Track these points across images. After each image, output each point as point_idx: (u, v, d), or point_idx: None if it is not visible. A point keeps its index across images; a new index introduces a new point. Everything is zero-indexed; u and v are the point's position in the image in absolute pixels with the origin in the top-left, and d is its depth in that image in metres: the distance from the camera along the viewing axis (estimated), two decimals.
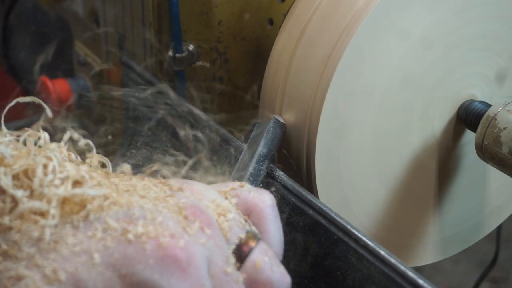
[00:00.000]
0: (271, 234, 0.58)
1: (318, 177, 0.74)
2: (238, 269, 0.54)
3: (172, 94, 0.82)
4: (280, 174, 0.70)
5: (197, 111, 0.79)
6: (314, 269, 0.66)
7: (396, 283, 0.59)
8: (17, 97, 0.58)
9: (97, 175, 0.54)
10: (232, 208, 0.57)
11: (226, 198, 0.58)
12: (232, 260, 0.54)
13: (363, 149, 0.76)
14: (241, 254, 0.55)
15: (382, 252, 0.61)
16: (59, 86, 1.00)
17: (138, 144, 0.84)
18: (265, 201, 0.59)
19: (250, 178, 0.67)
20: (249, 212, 0.58)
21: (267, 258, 0.55)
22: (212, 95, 0.91)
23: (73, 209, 0.51)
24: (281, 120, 0.75)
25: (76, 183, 0.52)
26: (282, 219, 0.68)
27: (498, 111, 0.74)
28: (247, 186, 0.60)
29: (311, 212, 0.66)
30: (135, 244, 0.50)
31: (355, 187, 0.77)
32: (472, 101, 0.80)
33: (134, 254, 0.50)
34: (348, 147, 0.75)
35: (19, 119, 1.16)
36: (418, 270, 0.62)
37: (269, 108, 0.79)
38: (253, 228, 0.57)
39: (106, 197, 0.52)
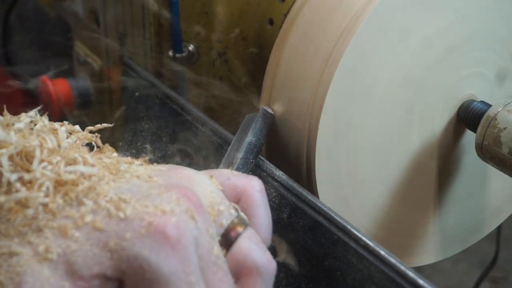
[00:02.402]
0: (260, 219, 0.59)
1: (318, 177, 0.74)
2: (225, 253, 0.55)
3: (172, 94, 0.82)
4: (280, 174, 0.70)
5: (197, 111, 0.79)
6: (314, 269, 0.66)
7: (396, 283, 0.59)
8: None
9: (90, 157, 0.55)
10: (221, 194, 0.57)
11: (215, 184, 0.58)
12: (220, 246, 0.55)
13: (363, 149, 0.76)
14: (228, 239, 0.55)
15: (382, 252, 0.61)
16: (59, 86, 1.00)
17: (138, 144, 0.84)
18: (254, 186, 0.59)
19: (240, 166, 0.68)
20: (238, 198, 0.59)
21: (254, 243, 0.56)
22: (212, 95, 0.91)
23: (66, 188, 0.52)
24: (270, 110, 0.76)
25: (70, 165, 0.53)
26: (282, 219, 0.68)
27: (498, 111, 0.74)
28: (236, 172, 0.61)
29: (311, 212, 0.66)
30: (126, 221, 0.51)
31: (355, 187, 0.77)
32: (472, 101, 0.80)
33: (124, 230, 0.50)
34: (348, 147, 0.75)
35: None
36: (418, 270, 0.62)
37: (272, 107, 0.79)
38: (242, 214, 0.58)
39: (98, 176, 0.53)
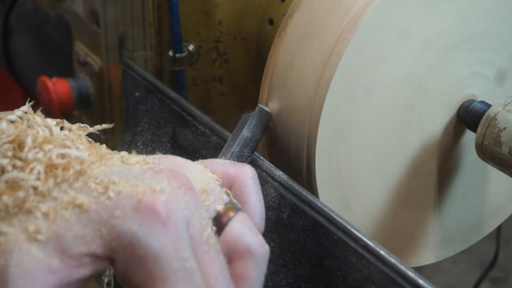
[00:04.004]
0: (253, 206, 0.59)
1: (318, 177, 0.74)
2: (218, 237, 0.55)
3: (172, 94, 0.82)
4: (280, 174, 0.70)
5: (197, 111, 0.79)
6: (314, 269, 0.66)
7: (396, 283, 0.59)
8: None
9: (83, 145, 0.56)
10: (212, 180, 0.58)
11: (207, 171, 0.59)
12: (211, 227, 0.55)
13: (363, 149, 0.76)
14: (220, 223, 0.56)
15: (382, 252, 0.61)
16: (59, 86, 1.00)
17: (138, 144, 0.84)
18: (246, 173, 0.60)
19: (234, 158, 0.68)
20: (230, 185, 0.60)
21: (246, 227, 0.56)
22: (212, 95, 0.91)
23: (57, 172, 0.53)
24: (266, 108, 0.76)
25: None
26: (282, 219, 0.68)
27: (498, 111, 0.74)
28: (229, 161, 0.61)
29: (311, 212, 0.66)
30: (115, 200, 0.51)
31: (355, 187, 0.77)
32: (472, 101, 0.80)
33: (113, 209, 0.51)
34: (348, 147, 0.75)
35: None
36: (418, 270, 0.62)
37: (272, 107, 0.79)
38: (234, 200, 0.58)
39: (89, 161, 0.54)
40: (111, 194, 0.51)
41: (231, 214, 0.56)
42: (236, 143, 0.70)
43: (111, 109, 1.01)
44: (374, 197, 0.79)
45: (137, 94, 0.86)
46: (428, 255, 0.86)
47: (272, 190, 0.69)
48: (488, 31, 0.79)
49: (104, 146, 0.59)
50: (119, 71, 0.92)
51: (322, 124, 0.72)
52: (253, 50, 0.89)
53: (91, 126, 1.04)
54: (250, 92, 0.91)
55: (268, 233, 0.69)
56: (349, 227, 0.63)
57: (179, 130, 0.80)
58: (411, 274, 0.59)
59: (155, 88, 0.83)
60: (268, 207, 0.69)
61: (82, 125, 0.60)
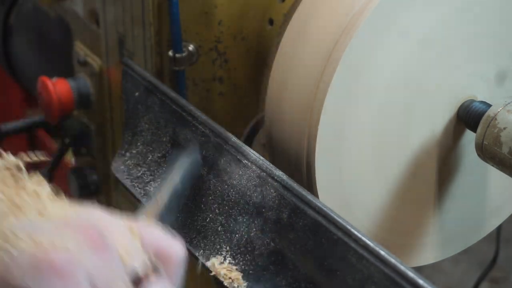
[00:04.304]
0: (173, 281, 0.57)
1: (318, 177, 0.74)
2: None
3: (172, 94, 0.82)
4: (280, 174, 0.70)
5: (197, 111, 0.79)
6: (314, 269, 0.66)
7: (396, 283, 0.59)
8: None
9: (7, 187, 0.54)
10: (136, 243, 0.56)
11: (133, 234, 0.57)
12: (126, 286, 0.54)
13: (363, 149, 0.76)
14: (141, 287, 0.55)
15: (382, 252, 0.61)
16: (59, 86, 1.00)
17: (138, 144, 0.84)
18: (177, 253, 0.58)
19: (165, 214, 0.67)
20: (158, 255, 0.58)
21: None
22: (212, 95, 0.91)
23: None
24: (198, 157, 0.75)
25: None
26: (282, 219, 0.68)
27: (498, 111, 0.74)
28: (159, 229, 0.59)
29: (311, 212, 0.66)
30: (16, 257, 0.50)
31: (355, 187, 0.77)
32: (472, 101, 0.80)
33: (14, 267, 0.50)
34: (348, 147, 0.75)
35: (18, 119, 1.16)
36: (418, 270, 0.62)
37: (272, 107, 0.79)
38: (156, 265, 0.56)
39: (1, 213, 0.52)
40: (14, 251, 0.51)
41: (152, 278, 0.55)
42: (169, 196, 0.69)
43: (111, 109, 1.01)
44: (374, 197, 0.79)
45: (137, 94, 0.86)
46: (428, 255, 0.86)
47: (272, 190, 0.69)
48: (488, 31, 0.79)
49: (35, 179, 0.57)
50: (119, 71, 0.92)
51: (322, 124, 0.72)
52: (253, 50, 0.89)
53: (91, 126, 1.04)
54: (250, 92, 0.91)
55: (268, 233, 0.69)
56: (349, 227, 0.63)
57: (179, 130, 0.80)
58: (411, 274, 0.59)
59: (155, 88, 0.83)
60: (268, 207, 0.69)
61: (18, 156, 0.58)
